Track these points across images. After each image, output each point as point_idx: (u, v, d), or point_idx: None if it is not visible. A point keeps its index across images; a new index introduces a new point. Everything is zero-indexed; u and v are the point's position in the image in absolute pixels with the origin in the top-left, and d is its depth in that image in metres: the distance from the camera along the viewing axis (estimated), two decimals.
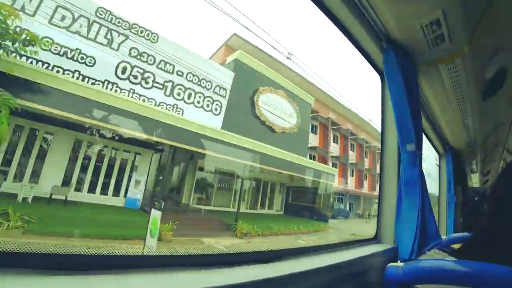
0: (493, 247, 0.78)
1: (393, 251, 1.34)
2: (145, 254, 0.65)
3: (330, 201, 14.73)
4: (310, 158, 20.04)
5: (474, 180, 4.47)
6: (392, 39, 1.28)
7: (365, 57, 1.47)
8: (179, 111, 10.72)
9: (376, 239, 1.53)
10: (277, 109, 14.98)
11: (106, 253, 0.60)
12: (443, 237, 1.51)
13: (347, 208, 25.94)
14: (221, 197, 13.61)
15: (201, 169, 12.70)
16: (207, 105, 11.85)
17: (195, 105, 11.39)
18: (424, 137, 2.09)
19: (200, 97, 11.62)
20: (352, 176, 27.88)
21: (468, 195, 3.02)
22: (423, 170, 1.35)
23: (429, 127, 2.37)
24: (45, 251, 0.54)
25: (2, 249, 0.51)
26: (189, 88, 11.26)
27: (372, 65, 1.54)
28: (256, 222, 9.50)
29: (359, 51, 1.41)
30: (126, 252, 0.63)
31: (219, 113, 12.19)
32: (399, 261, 1.27)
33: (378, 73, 1.61)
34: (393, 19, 1.15)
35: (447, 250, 1.51)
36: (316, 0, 1.11)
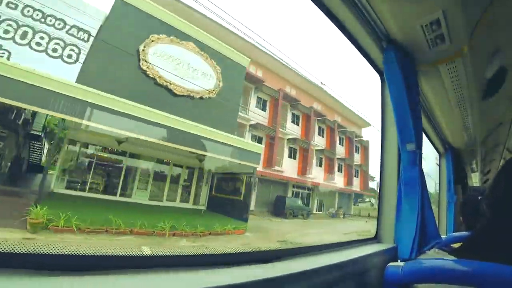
0: (493, 246, 0.78)
1: (393, 250, 1.34)
2: (145, 254, 0.65)
3: (252, 190, 11.00)
4: (255, 139, 17.14)
5: (474, 180, 4.48)
6: (392, 39, 1.28)
7: (365, 57, 1.47)
8: (2, 53, 8.05)
9: (376, 238, 1.53)
10: (180, 66, 10.97)
11: (106, 253, 0.61)
12: (443, 236, 1.52)
13: (314, 205, 21.61)
14: (105, 181, 10.55)
15: (74, 142, 9.38)
16: (54, 50, 8.90)
17: (32, 48, 8.53)
18: (424, 136, 2.09)
19: (42, 38, 8.71)
20: (321, 166, 22.83)
21: (468, 194, 3.02)
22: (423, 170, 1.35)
23: (429, 127, 2.37)
24: (45, 251, 0.54)
25: (2, 249, 0.51)
26: (25, 25, 8.46)
27: (372, 65, 1.54)
28: (134, 216, 7.17)
29: (359, 50, 1.41)
30: (126, 252, 0.63)
31: (75, 62, 9.19)
32: (399, 261, 1.28)
33: (378, 73, 1.61)
34: (393, 19, 1.15)
35: (447, 249, 1.51)
36: (316, 0, 1.11)
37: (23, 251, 0.52)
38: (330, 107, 24.63)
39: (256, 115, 17.85)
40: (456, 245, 1.55)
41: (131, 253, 0.63)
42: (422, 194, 1.29)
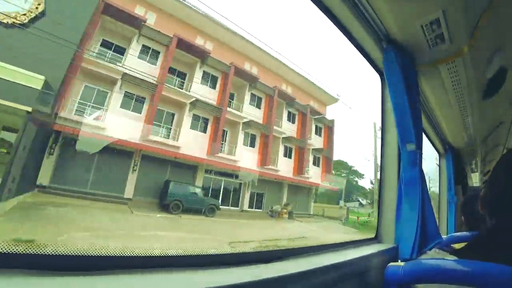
0: (495, 246, 0.78)
1: (394, 250, 1.34)
2: (144, 254, 0.65)
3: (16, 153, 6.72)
4: (131, 99, 12.79)
5: (475, 180, 4.48)
6: (392, 39, 1.28)
7: (364, 57, 1.47)
8: None
9: (376, 238, 1.53)
10: None
11: (106, 254, 0.60)
12: (444, 236, 1.51)
13: (245, 199, 16.03)
14: None
15: None
16: None
17: None
18: (424, 136, 2.09)
19: None
20: (253, 146, 17.17)
21: (469, 194, 3.02)
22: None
23: (429, 127, 2.37)
24: (45, 252, 0.54)
25: (2, 249, 0.51)
26: None
27: (372, 65, 1.54)
28: None
29: (359, 50, 1.41)
30: (126, 252, 0.63)
31: None
32: (399, 261, 1.27)
33: (378, 73, 1.61)
34: (393, 19, 1.15)
35: (447, 249, 1.51)
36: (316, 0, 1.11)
37: (23, 251, 0.52)
38: (276, 74, 19.16)
39: (132, 69, 12.50)
40: (457, 245, 1.55)
41: (131, 253, 0.63)
42: (423, 194, 1.29)
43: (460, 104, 1.85)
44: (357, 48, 1.39)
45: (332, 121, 23.05)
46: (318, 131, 22.12)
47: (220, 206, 14.24)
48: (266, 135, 17.56)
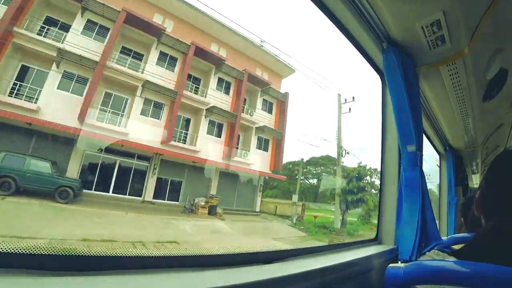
0: (494, 247, 0.78)
1: (394, 251, 1.34)
2: (144, 254, 0.65)
3: None
4: None
5: (475, 181, 4.47)
6: (393, 39, 1.28)
7: (365, 58, 1.47)
8: None
9: (376, 239, 1.53)
10: None
11: (106, 254, 0.60)
12: (444, 237, 1.51)
13: (147, 186, 12.34)
14: None
15: None
16: None
17: None
18: (424, 137, 2.09)
19: None
20: (159, 118, 13.29)
21: (468, 196, 3.02)
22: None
23: (429, 128, 2.37)
24: (45, 252, 0.54)
25: (2, 249, 0.51)
26: None
27: (372, 66, 1.54)
28: None
29: (359, 51, 1.41)
30: (126, 252, 0.63)
31: None
32: (399, 262, 1.27)
33: (378, 74, 1.61)
34: (393, 19, 1.15)
35: (447, 251, 1.51)
36: (316, 0, 1.11)
37: (23, 251, 0.52)
38: (202, 31, 15.21)
39: None
40: (457, 247, 1.55)
41: (132, 253, 0.63)
42: (423, 195, 1.29)
43: (460, 106, 1.85)
44: (357, 49, 1.39)
45: (285, 95, 18.49)
46: (267, 107, 17.86)
47: (112, 194, 11.14)
48: (173, 101, 13.47)
